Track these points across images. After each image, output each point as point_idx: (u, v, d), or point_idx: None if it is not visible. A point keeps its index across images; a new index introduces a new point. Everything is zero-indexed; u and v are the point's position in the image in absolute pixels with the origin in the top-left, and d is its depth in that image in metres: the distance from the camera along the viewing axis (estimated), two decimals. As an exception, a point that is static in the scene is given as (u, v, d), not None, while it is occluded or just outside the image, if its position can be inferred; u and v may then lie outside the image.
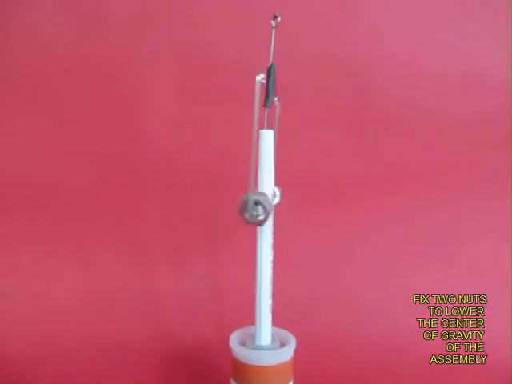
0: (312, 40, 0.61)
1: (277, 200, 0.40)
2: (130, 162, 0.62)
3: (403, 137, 0.63)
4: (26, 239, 0.62)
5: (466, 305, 0.58)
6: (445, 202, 0.64)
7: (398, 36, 0.62)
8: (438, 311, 0.59)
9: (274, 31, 0.38)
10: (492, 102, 0.62)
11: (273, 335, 0.41)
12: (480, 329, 0.58)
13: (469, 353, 0.57)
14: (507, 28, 0.60)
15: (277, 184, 0.40)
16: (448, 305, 0.58)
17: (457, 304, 0.58)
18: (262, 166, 0.39)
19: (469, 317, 0.58)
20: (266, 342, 0.41)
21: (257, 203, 0.36)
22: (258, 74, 0.37)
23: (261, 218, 0.36)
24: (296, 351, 0.41)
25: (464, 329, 0.58)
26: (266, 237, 0.39)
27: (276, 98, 0.40)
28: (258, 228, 0.39)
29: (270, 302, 0.41)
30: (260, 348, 0.41)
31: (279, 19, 0.38)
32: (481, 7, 0.61)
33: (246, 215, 0.36)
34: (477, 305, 0.58)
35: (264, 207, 0.36)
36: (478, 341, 0.57)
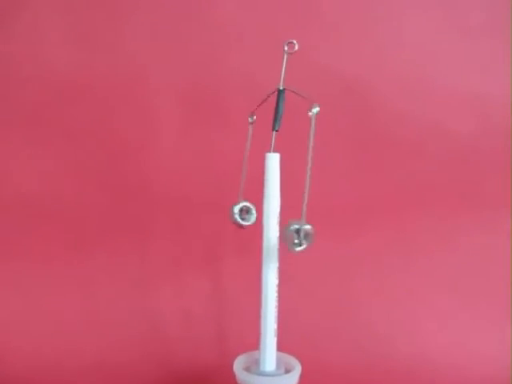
0: (314, 58, 0.59)
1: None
2: (133, 182, 0.61)
3: (409, 157, 0.62)
4: (25, 258, 0.60)
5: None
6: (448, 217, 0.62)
7: (403, 54, 0.61)
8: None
9: (285, 56, 0.38)
10: (494, 121, 0.61)
11: (278, 361, 0.40)
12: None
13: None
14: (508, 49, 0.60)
15: (282, 209, 0.38)
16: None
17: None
18: (268, 191, 0.38)
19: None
20: (270, 367, 0.40)
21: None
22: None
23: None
24: (301, 377, 0.40)
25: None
26: (271, 260, 0.38)
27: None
28: (264, 251, 0.38)
29: (275, 326, 0.40)
30: (264, 374, 0.39)
31: (296, 47, 0.38)
32: (483, 29, 0.60)
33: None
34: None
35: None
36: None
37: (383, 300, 0.61)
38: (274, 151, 0.38)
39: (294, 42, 0.38)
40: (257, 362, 0.40)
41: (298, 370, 0.40)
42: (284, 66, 0.38)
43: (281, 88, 0.38)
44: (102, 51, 0.60)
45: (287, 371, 0.40)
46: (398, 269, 0.62)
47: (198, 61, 0.60)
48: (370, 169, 0.60)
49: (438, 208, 0.61)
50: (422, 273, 0.62)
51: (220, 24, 0.60)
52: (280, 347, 0.40)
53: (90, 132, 0.60)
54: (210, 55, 0.60)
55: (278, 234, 0.38)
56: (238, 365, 0.40)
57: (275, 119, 0.38)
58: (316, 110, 0.36)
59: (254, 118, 0.41)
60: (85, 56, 0.60)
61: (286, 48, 0.38)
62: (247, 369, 0.40)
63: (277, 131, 0.38)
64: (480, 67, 0.60)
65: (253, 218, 0.42)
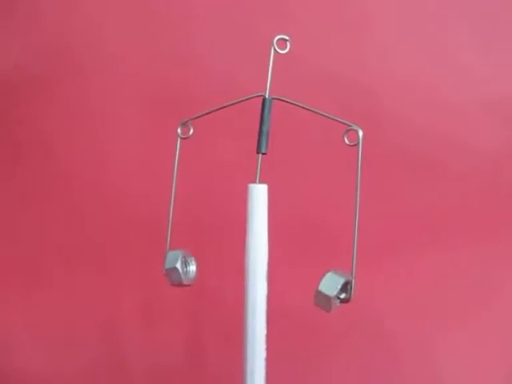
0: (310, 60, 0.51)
1: None
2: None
3: (419, 180, 0.53)
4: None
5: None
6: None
7: (409, 58, 0.53)
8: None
9: (272, 56, 0.30)
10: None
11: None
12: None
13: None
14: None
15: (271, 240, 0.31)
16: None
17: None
18: (253, 233, 0.30)
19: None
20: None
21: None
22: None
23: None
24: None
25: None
26: (258, 329, 0.30)
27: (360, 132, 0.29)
28: (249, 316, 0.30)
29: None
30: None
31: (288, 45, 0.30)
32: (507, 26, 0.52)
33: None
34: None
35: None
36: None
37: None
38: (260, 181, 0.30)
39: (286, 38, 0.30)
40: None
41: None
42: (271, 67, 0.30)
43: (267, 96, 0.30)
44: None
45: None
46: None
47: (167, 60, 0.52)
48: (376, 189, 0.53)
49: (456, 234, 0.54)
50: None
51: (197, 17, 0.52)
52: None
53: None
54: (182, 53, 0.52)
55: (266, 293, 0.30)
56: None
57: (260, 138, 0.30)
58: (361, 135, 0.28)
59: (191, 131, 0.32)
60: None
61: (275, 46, 0.30)
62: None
63: (264, 154, 0.30)
64: (501, 68, 0.52)
65: (192, 271, 0.34)
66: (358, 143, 0.29)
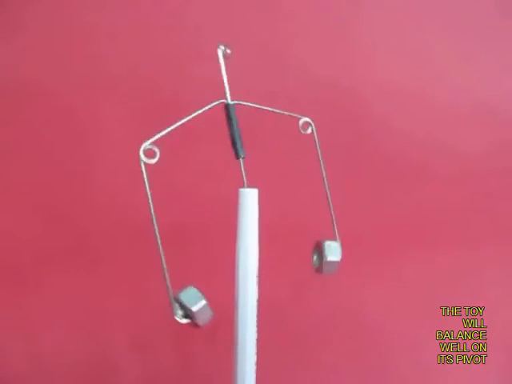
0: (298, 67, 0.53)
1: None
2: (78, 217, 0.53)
3: (407, 183, 0.55)
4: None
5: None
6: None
7: (398, 63, 0.54)
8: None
9: (223, 61, 0.30)
10: (506, 134, 0.55)
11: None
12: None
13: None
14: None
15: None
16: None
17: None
18: (244, 238, 0.30)
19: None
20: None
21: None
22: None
23: None
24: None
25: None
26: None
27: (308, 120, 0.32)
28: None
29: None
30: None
31: (228, 50, 0.30)
32: (490, 32, 0.54)
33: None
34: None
35: None
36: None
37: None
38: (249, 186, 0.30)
39: (226, 43, 0.30)
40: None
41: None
42: (223, 71, 0.30)
43: (228, 102, 0.30)
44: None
45: None
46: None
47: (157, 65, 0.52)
48: (367, 195, 0.53)
49: (447, 241, 0.55)
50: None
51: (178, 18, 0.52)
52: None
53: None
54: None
55: (256, 297, 0.30)
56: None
57: (234, 144, 0.30)
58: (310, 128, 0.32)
59: (158, 155, 0.29)
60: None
61: (220, 51, 0.30)
62: None
63: (243, 158, 0.30)
64: (490, 75, 0.53)
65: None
66: (313, 131, 0.32)
